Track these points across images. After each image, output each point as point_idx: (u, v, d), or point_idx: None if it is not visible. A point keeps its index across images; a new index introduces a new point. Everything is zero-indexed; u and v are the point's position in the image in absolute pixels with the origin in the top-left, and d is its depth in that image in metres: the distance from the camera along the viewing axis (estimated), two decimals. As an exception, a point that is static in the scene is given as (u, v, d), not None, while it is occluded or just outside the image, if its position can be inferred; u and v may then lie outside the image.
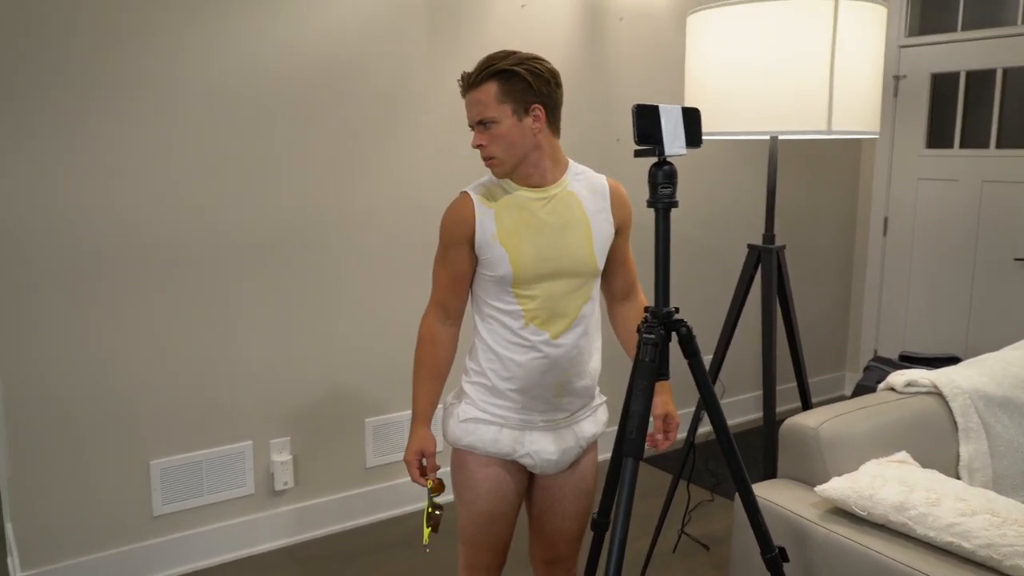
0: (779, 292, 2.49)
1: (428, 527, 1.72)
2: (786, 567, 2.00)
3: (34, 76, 2.34)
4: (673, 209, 3.84)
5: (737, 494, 1.94)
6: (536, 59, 1.61)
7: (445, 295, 1.72)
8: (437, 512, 1.73)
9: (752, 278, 2.51)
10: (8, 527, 2.77)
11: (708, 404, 1.52)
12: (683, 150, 1.42)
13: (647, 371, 1.43)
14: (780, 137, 2.53)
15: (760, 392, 4.34)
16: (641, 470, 3.62)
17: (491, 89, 1.58)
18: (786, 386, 4.46)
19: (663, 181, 1.42)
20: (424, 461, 1.74)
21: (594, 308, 1.73)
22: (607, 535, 2.81)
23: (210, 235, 2.68)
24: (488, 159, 1.64)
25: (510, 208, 1.66)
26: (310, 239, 2.87)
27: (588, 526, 1.86)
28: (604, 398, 1.89)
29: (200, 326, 2.70)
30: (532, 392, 1.69)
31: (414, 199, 3.07)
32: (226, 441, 2.80)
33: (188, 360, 2.69)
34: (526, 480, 1.81)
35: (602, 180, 1.75)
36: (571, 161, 1.74)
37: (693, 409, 4.06)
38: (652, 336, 1.44)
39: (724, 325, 2.56)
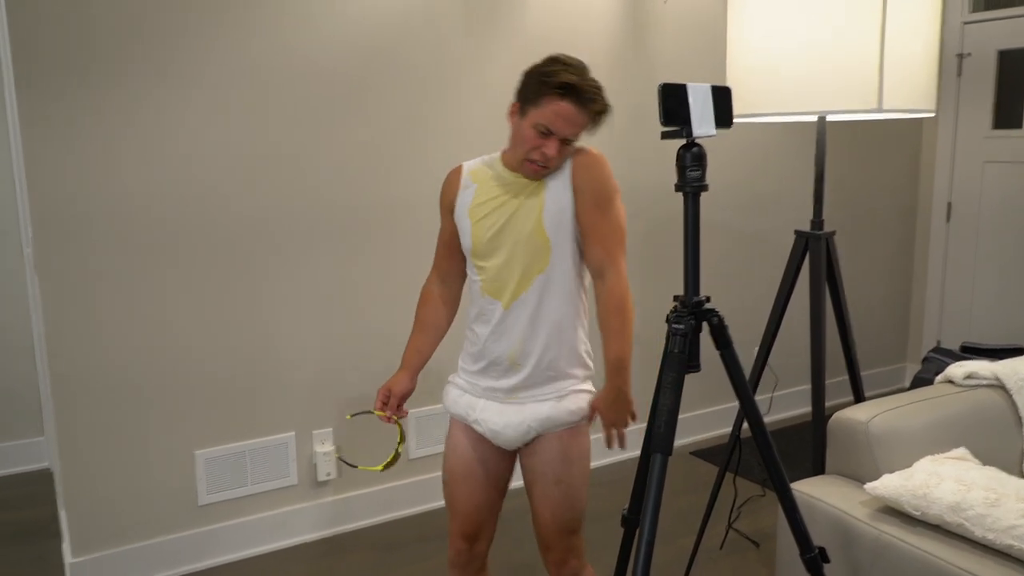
0: (829, 280, 2.39)
1: (382, 464, 1.83)
2: (833, 568, 1.91)
3: (82, 63, 2.38)
4: (718, 196, 3.75)
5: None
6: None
7: (439, 258, 1.90)
8: (396, 453, 1.87)
9: (800, 266, 2.40)
10: (61, 514, 2.85)
11: (741, 397, 1.45)
12: (712, 130, 1.35)
13: (676, 363, 1.37)
14: (830, 118, 2.42)
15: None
16: (690, 464, 3.54)
17: (589, 111, 1.64)
18: (841, 379, 4.30)
19: (691, 164, 1.35)
20: (392, 401, 1.87)
21: (556, 281, 1.71)
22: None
23: (253, 226, 2.70)
24: (545, 168, 1.67)
25: (490, 185, 1.75)
26: (352, 229, 2.87)
27: (571, 519, 1.80)
28: (587, 387, 1.81)
29: (244, 317, 2.73)
30: (489, 359, 1.76)
31: (453, 189, 3.04)
32: (269, 432, 2.82)
33: (232, 351, 2.72)
34: (492, 450, 1.83)
35: (571, 148, 1.74)
36: None
37: (737, 402, 3.95)
38: (681, 326, 1.38)
39: (771, 315, 2.47)
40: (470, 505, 1.84)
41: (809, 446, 3.71)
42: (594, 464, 3.56)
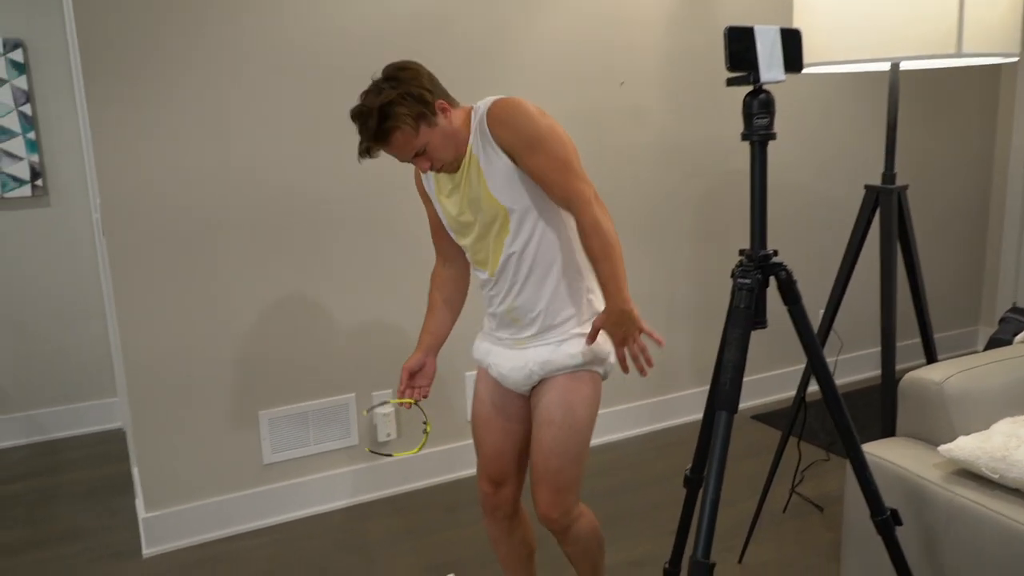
0: (901, 237, 2.29)
1: (417, 447, 1.97)
2: (904, 532, 1.86)
3: (142, 45, 2.41)
4: (781, 150, 3.63)
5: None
6: (404, 76, 1.61)
7: (435, 241, 1.96)
8: (425, 433, 1.99)
9: (869, 222, 2.31)
10: (135, 471, 2.95)
11: (811, 355, 1.40)
12: (781, 75, 1.29)
13: (741, 319, 1.32)
14: (904, 67, 2.30)
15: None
16: (752, 428, 3.48)
17: (400, 136, 1.61)
18: (911, 341, 4.17)
19: (759, 111, 1.29)
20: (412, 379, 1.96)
21: (527, 238, 1.72)
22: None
23: (313, 193, 2.71)
24: (440, 168, 1.70)
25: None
26: (409, 200, 2.86)
27: (565, 468, 1.80)
28: (580, 331, 1.79)
29: (306, 283, 2.76)
30: (497, 319, 1.85)
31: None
32: (330, 393, 2.87)
33: (294, 315, 2.76)
34: (510, 396, 1.90)
35: (484, 111, 1.68)
36: (471, 108, 1.72)
37: (799, 366, 3.86)
38: (747, 281, 1.33)
39: (838, 273, 2.38)
40: (492, 449, 1.92)
41: (875, 410, 3.62)
42: (654, 427, 3.53)
